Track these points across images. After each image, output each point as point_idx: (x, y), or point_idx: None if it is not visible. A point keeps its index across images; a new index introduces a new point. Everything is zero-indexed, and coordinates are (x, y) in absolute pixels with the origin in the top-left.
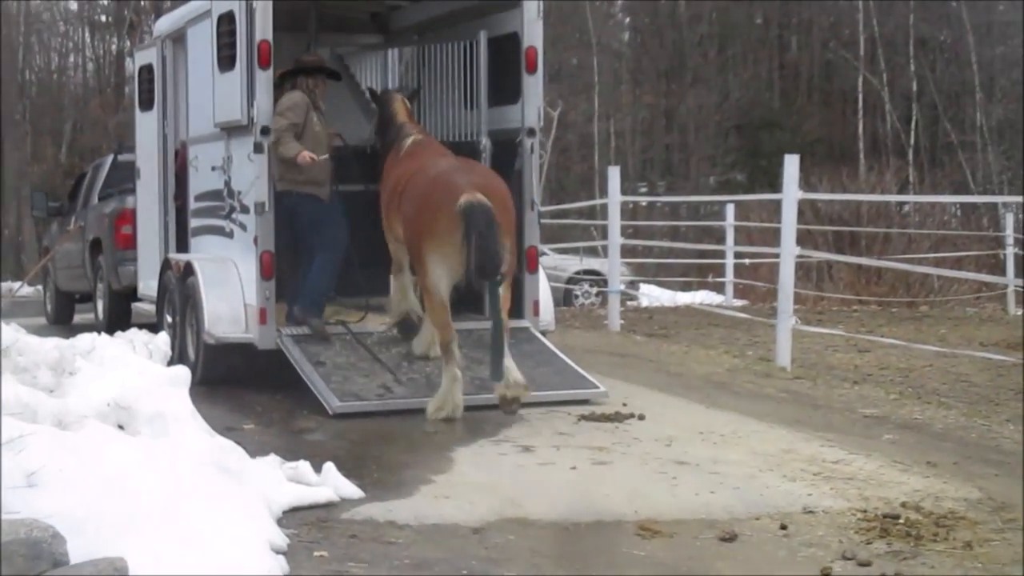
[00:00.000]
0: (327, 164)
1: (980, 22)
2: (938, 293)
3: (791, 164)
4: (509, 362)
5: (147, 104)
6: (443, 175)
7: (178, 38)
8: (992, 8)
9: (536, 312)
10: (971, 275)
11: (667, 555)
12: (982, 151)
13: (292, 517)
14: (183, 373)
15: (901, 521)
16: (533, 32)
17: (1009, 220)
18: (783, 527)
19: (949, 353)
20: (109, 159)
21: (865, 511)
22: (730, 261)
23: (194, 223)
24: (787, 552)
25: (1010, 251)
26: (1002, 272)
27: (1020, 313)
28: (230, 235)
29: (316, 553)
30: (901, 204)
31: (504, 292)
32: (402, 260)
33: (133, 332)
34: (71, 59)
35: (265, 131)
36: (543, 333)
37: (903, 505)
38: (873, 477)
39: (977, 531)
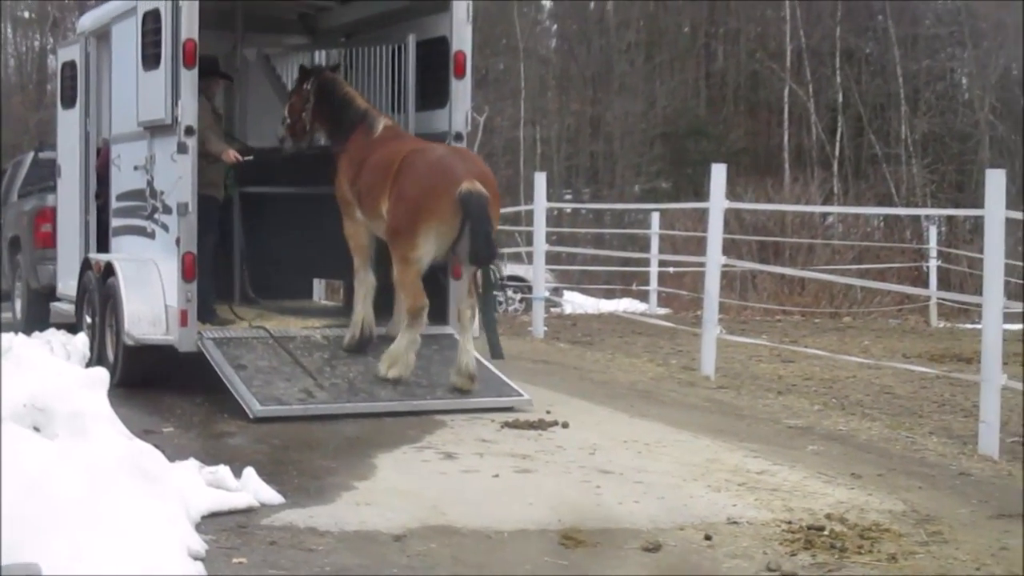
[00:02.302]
0: (221, 167)
1: (906, 35)
2: (861, 304)
3: (718, 173)
4: (468, 351)
5: (69, 101)
6: (443, 160)
7: (102, 35)
8: (918, 22)
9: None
10: (894, 287)
11: (590, 565)
12: (906, 164)
13: (211, 522)
14: (101, 375)
15: (826, 533)
16: (462, 36)
17: (932, 233)
18: (707, 538)
19: (872, 364)
20: (30, 156)
21: (790, 522)
22: (654, 269)
23: (115, 223)
24: (711, 563)
25: (933, 264)
26: (924, 284)
27: (942, 325)
28: (152, 236)
29: (235, 559)
30: (825, 215)
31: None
32: (367, 254)
33: (51, 332)
34: None
35: (189, 131)
36: None
37: (828, 517)
38: (798, 488)
39: (901, 543)
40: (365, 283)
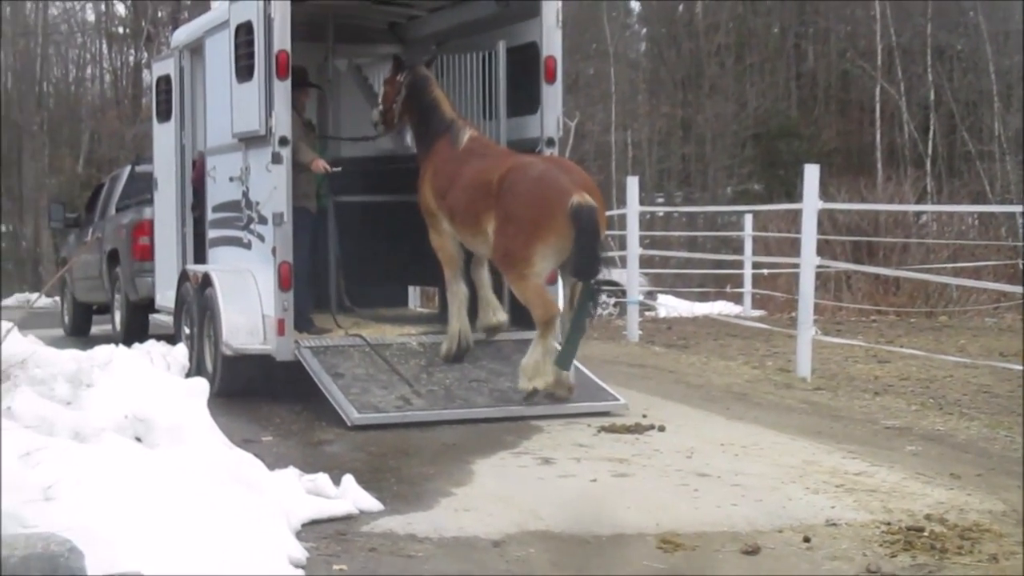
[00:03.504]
0: (313, 178)
1: (997, 31)
2: (956, 303)
3: (811, 174)
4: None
5: (165, 115)
6: (548, 174)
7: (196, 48)
8: (1010, 17)
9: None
10: (990, 285)
11: (689, 568)
12: (1000, 160)
13: (311, 530)
14: (201, 385)
15: (925, 534)
16: (552, 41)
17: None
18: (806, 540)
19: (969, 363)
20: (126, 170)
21: (889, 523)
22: (748, 271)
23: (212, 234)
24: (810, 565)
25: None
26: (1020, 281)
27: None
28: (248, 246)
29: (335, 567)
30: (919, 214)
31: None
32: (458, 265)
33: (151, 344)
34: (88, 70)
35: (283, 142)
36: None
37: (927, 517)
38: (896, 489)
39: (1002, 544)
40: (458, 295)
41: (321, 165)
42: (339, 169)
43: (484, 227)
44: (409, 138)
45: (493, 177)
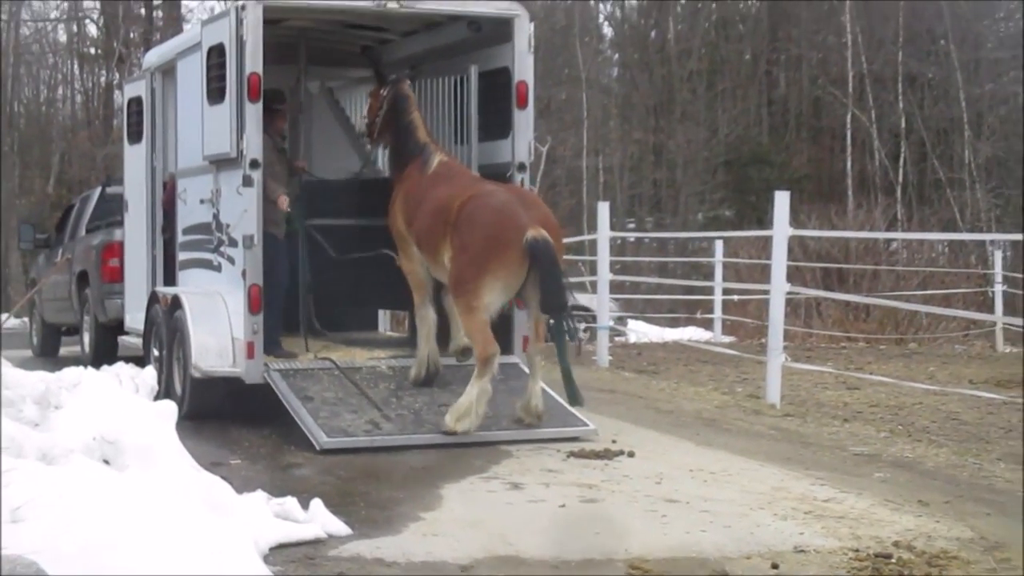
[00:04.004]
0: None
1: (968, 59)
2: (926, 330)
3: (781, 200)
4: (537, 393)
5: (136, 137)
6: (505, 207)
7: (168, 70)
8: (980, 45)
9: (525, 348)
10: (959, 312)
11: None
12: (970, 188)
13: (279, 554)
14: (169, 407)
15: (893, 560)
16: (524, 66)
17: (997, 257)
18: (775, 566)
19: (939, 390)
20: (97, 191)
21: (857, 550)
22: (718, 297)
23: (182, 256)
24: None
25: (998, 288)
26: (990, 309)
27: (1009, 350)
28: (218, 268)
29: None
30: (889, 241)
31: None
32: (427, 290)
33: (119, 366)
34: (60, 91)
35: (254, 164)
36: None
37: (895, 544)
38: (865, 516)
39: (970, 571)
40: (427, 320)
41: (284, 203)
42: (290, 210)
43: (443, 254)
44: (382, 161)
45: (454, 204)
